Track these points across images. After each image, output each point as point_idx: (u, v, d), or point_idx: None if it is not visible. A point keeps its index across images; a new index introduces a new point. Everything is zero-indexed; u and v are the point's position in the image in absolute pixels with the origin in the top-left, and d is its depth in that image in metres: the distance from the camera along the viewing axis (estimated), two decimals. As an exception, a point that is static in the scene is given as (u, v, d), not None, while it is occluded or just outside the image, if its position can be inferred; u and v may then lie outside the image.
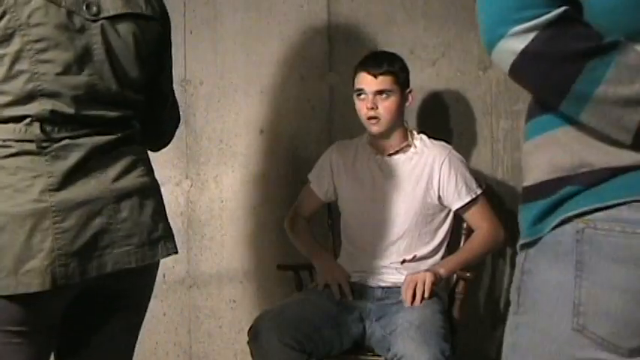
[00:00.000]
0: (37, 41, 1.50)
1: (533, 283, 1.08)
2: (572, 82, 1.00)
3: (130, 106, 1.66)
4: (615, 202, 1.00)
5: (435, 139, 2.70)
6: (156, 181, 1.72)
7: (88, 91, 1.56)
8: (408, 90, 2.65)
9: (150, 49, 1.68)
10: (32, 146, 1.49)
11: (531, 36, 1.01)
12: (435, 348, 2.30)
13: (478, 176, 2.74)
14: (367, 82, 2.60)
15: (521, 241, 1.12)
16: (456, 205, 2.64)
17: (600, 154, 1.03)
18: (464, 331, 2.69)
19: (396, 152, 2.68)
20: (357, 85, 2.64)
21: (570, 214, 1.03)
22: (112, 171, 1.58)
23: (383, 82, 2.59)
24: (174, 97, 1.89)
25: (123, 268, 1.57)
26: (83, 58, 1.55)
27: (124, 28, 1.61)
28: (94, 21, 1.57)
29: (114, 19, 1.60)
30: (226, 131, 3.22)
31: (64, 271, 1.47)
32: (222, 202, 3.24)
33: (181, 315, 3.30)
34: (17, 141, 1.49)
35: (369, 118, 2.60)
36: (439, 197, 2.64)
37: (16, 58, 1.49)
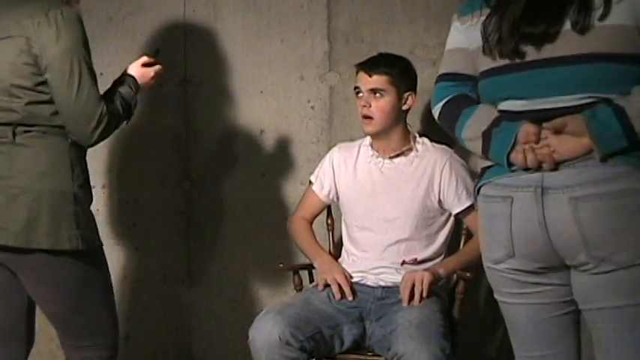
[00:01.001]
0: None
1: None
2: (454, 130, 1.90)
3: (6, 111, 2.14)
4: (483, 182, 1.85)
5: (437, 142, 2.70)
6: (41, 183, 2.14)
7: None
8: (408, 93, 2.65)
9: (19, 60, 2.13)
10: None
11: (439, 110, 1.96)
12: (435, 347, 2.30)
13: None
14: (362, 80, 2.64)
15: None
16: (456, 209, 2.65)
17: (484, 160, 1.87)
18: (464, 330, 2.69)
19: (398, 155, 2.68)
20: (355, 84, 2.68)
21: (478, 186, 1.89)
22: None
23: (377, 81, 2.61)
24: (88, 97, 2.16)
25: None
26: None
27: None
28: None
29: None
30: (226, 131, 3.22)
31: None
32: (222, 202, 3.24)
33: (181, 315, 3.30)
34: None
35: (364, 117, 2.63)
36: (439, 201, 2.65)
37: None
